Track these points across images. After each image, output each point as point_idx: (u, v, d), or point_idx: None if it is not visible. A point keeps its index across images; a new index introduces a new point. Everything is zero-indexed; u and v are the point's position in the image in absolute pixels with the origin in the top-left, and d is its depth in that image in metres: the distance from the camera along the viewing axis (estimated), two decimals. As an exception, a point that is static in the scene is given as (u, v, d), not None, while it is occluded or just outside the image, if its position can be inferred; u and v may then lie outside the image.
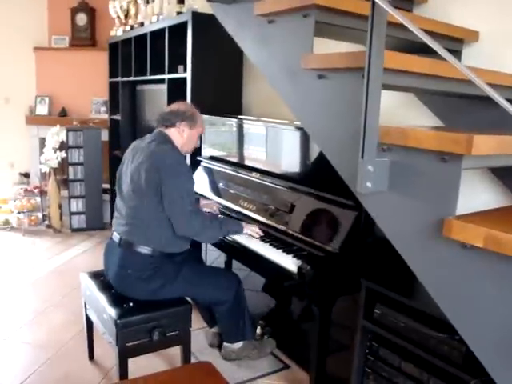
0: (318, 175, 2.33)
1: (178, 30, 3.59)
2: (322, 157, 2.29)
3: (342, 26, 1.62)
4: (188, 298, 2.35)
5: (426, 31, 1.73)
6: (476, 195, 2.01)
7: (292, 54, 1.56)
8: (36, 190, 5.11)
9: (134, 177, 2.22)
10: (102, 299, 2.25)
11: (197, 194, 3.00)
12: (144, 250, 2.22)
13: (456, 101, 1.95)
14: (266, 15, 1.66)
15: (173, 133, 2.34)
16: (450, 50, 2.02)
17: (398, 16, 1.16)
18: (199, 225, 2.22)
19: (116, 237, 2.29)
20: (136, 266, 2.22)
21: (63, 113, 5.67)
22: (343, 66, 1.37)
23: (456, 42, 2.06)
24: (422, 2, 2.27)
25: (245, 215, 2.65)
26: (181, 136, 2.35)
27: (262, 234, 2.39)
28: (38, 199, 5.08)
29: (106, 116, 5.43)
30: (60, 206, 4.99)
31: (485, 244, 1.09)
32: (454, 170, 1.14)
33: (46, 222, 5.04)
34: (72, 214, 4.99)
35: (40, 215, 5.07)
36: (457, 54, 2.08)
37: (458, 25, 2.05)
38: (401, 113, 2.33)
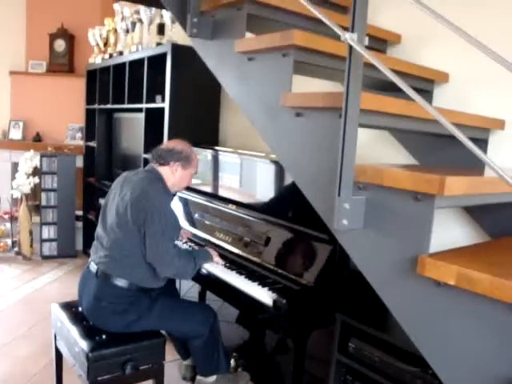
0: (294, 208, 2.36)
1: (156, 61, 3.63)
2: (297, 190, 2.34)
3: (320, 66, 1.67)
4: (162, 331, 2.32)
5: (399, 72, 1.82)
6: (449, 232, 2.07)
7: (271, 92, 1.59)
8: (6, 216, 5.01)
9: (119, 210, 2.19)
10: (73, 331, 2.20)
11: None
12: (121, 282, 2.19)
13: (429, 139, 2.02)
14: (246, 52, 1.70)
15: (165, 171, 2.33)
16: (421, 90, 2.13)
17: (373, 60, 1.21)
18: (181, 265, 2.22)
19: (93, 267, 2.26)
20: (111, 298, 2.18)
21: (37, 138, 5.62)
22: (321, 106, 1.41)
23: (427, 82, 2.14)
24: (395, 43, 2.36)
25: (220, 247, 2.65)
26: (173, 175, 2.33)
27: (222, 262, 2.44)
28: (8, 225, 4.97)
29: (81, 142, 5.40)
30: (31, 233, 4.88)
31: (457, 282, 1.12)
32: (428, 209, 1.18)
33: (16, 249, 4.92)
34: (43, 240, 4.88)
35: (9, 242, 4.96)
36: (428, 93, 2.17)
37: (430, 65, 2.14)
38: (376, 149, 2.40)
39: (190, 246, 2.77)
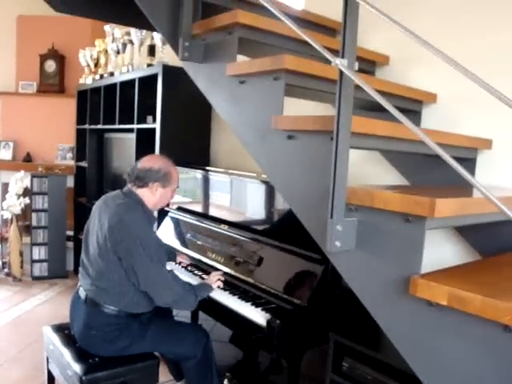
0: (286, 228, 2.37)
1: (147, 81, 3.66)
2: (289, 211, 2.35)
3: (311, 88, 1.70)
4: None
5: (388, 93, 1.85)
6: (440, 251, 2.09)
7: (262, 114, 1.62)
8: (-4, 237, 4.98)
9: (99, 241, 2.14)
10: (66, 354, 2.19)
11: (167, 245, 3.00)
12: (110, 310, 2.15)
13: (419, 159, 2.04)
14: (237, 76, 1.73)
15: (145, 193, 2.25)
16: (410, 111, 2.16)
17: (363, 85, 1.24)
18: (180, 291, 2.17)
19: (82, 293, 2.23)
20: (101, 326, 2.15)
21: (28, 158, 5.60)
22: (312, 129, 1.44)
23: (415, 103, 2.19)
24: (383, 64, 2.41)
25: (213, 267, 2.65)
26: (153, 196, 2.26)
27: (222, 278, 2.40)
28: (-2, 246, 4.94)
29: (72, 163, 5.39)
30: (21, 254, 4.84)
31: (448, 302, 1.14)
32: (418, 230, 1.20)
33: (6, 270, 4.86)
34: (34, 261, 4.83)
35: (-1, 263, 4.92)
36: (417, 114, 2.21)
37: (417, 86, 2.18)
38: (367, 169, 2.43)
39: (189, 271, 2.74)
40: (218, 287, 2.38)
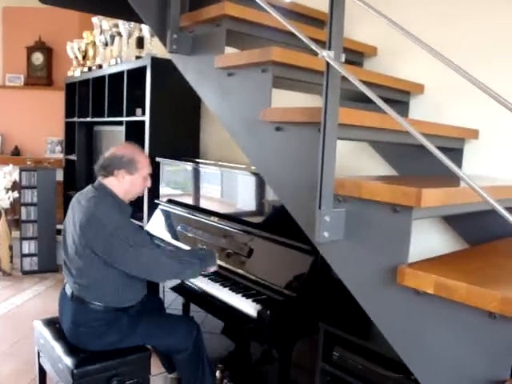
0: (276, 220, 2.38)
1: (136, 74, 3.64)
2: (278, 202, 2.36)
3: (298, 80, 1.71)
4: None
5: (375, 84, 1.86)
6: (428, 239, 2.11)
7: (251, 106, 1.62)
8: (-15, 232, 4.93)
9: (75, 240, 2.12)
10: (57, 348, 2.19)
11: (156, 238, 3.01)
12: (96, 305, 2.14)
13: (407, 149, 2.06)
14: (225, 68, 1.73)
15: (112, 182, 2.20)
16: (398, 102, 2.17)
17: (350, 76, 1.25)
18: (177, 265, 2.16)
19: (68, 289, 2.22)
20: (89, 322, 2.14)
21: (16, 152, 5.57)
22: (300, 120, 1.44)
23: (403, 93, 2.19)
24: (371, 55, 2.42)
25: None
26: (121, 184, 2.20)
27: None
28: (-13, 241, 4.89)
29: (61, 156, 5.37)
30: (11, 248, 4.81)
31: (435, 291, 1.16)
32: (406, 220, 1.22)
33: (-5, 265, 4.85)
34: (23, 255, 4.81)
35: (-12, 258, 4.88)
36: (405, 105, 2.22)
37: (405, 77, 2.19)
38: (356, 160, 2.44)
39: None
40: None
